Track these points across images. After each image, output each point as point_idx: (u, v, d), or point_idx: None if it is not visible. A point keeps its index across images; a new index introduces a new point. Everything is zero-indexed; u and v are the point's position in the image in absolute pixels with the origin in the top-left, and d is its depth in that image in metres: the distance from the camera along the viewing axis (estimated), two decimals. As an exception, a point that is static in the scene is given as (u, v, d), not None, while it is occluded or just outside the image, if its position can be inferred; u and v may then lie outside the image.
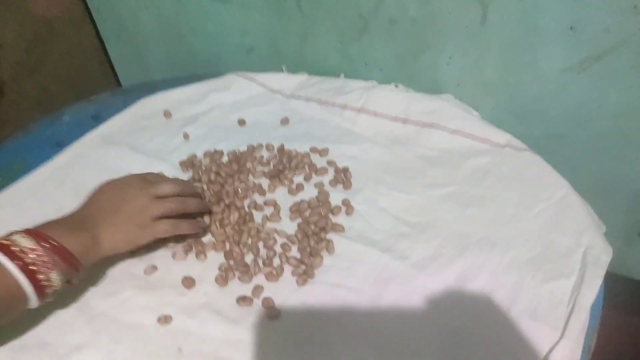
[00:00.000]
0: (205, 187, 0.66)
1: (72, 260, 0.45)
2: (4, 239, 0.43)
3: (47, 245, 0.44)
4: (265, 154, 0.72)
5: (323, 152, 0.70)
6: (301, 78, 0.84)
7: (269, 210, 0.62)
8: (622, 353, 0.44)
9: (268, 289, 0.53)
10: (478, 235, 0.55)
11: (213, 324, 0.50)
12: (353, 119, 0.75)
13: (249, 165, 0.69)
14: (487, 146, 0.67)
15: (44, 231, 0.45)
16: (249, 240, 0.57)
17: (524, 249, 0.53)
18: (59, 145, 0.78)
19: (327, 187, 0.64)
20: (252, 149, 0.72)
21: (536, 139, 0.69)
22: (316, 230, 0.57)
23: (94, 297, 0.53)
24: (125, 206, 0.50)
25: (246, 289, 0.53)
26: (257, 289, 0.52)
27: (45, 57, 0.97)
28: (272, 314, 0.50)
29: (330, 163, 0.68)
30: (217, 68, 0.97)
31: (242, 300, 0.51)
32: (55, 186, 0.68)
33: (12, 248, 0.42)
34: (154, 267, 0.55)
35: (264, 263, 0.55)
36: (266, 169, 0.68)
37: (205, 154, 0.72)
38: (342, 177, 0.65)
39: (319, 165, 0.68)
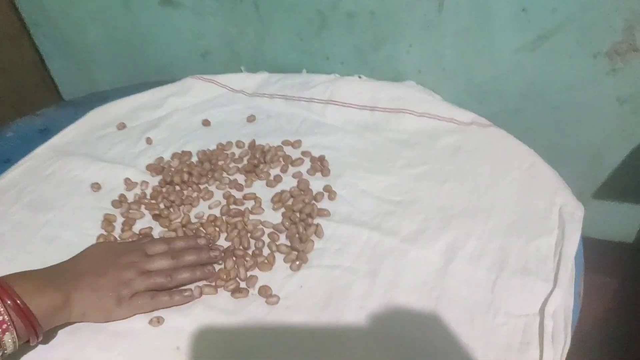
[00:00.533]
0: (178, 188, 0.64)
1: (33, 322, 0.41)
2: None
3: (10, 303, 0.40)
4: (236, 150, 0.71)
5: (296, 144, 0.70)
6: (262, 76, 0.84)
7: (249, 204, 0.61)
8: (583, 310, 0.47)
9: (262, 279, 0.52)
10: (459, 207, 0.57)
11: (209, 319, 0.48)
12: (321, 111, 0.75)
13: (221, 163, 0.68)
14: (454, 125, 0.69)
15: (12, 284, 0.41)
16: (237, 234, 0.56)
17: (505, 215, 0.56)
18: (8, 161, 0.73)
19: (306, 176, 0.64)
20: (222, 147, 0.71)
21: (495, 116, 0.72)
22: (303, 217, 0.57)
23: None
24: (110, 273, 0.47)
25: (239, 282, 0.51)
26: (252, 279, 0.51)
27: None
28: (270, 300, 0.49)
29: (305, 153, 0.68)
30: (171, 74, 0.95)
31: (238, 292, 0.50)
32: (11, 203, 0.64)
33: None
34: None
35: (253, 254, 0.54)
36: (240, 165, 0.67)
37: (174, 156, 0.70)
38: (320, 165, 0.65)
39: (294, 157, 0.67)
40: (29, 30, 1.02)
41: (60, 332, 0.47)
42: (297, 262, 0.52)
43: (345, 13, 0.75)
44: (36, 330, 0.41)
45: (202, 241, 0.53)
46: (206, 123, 0.77)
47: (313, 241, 0.55)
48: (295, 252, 0.53)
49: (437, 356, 0.43)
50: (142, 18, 0.91)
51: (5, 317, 0.39)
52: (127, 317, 0.47)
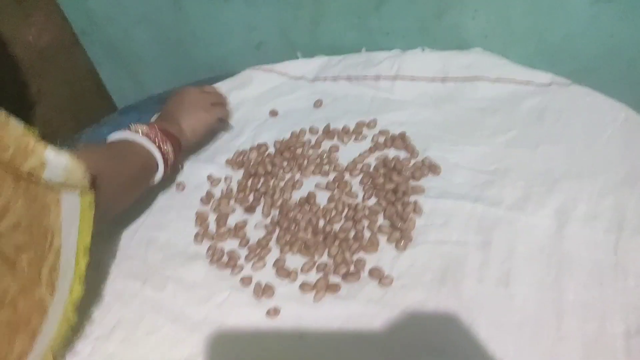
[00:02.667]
0: (263, 180, 0.64)
1: (174, 140, 0.59)
2: (128, 128, 0.56)
3: (159, 129, 0.57)
4: (311, 137, 0.70)
5: (371, 124, 0.69)
6: (321, 60, 0.83)
7: (342, 188, 0.60)
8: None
9: (370, 261, 0.51)
10: (560, 169, 0.55)
11: (326, 305, 0.48)
12: (389, 87, 0.74)
13: (299, 150, 0.67)
14: (533, 88, 0.67)
15: (152, 123, 0.59)
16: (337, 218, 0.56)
17: (611, 173, 0.53)
18: (87, 170, 0.74)
19: (392, 154, 0.63)
20: (296, 135, 0.70)
21: (568, 77, 0.69)
22: (399, 196, 0.56)
23: (188, 306, 0.51)
24: (190, 103, 0.66)
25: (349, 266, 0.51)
26: (359, 263, 0.51)
27: (43, 88, 0.91)
28: (385, 281, 0.48)
29: (383, 132, 0.67)
30: (224, 69, 0.95)
31: (350, 275, 0.50)
32: (100, 209, 0.64)
33: (139, 131, 0.55)
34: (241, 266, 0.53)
35: (355, 237, 0.53)
36: (319, 150, 0.67)
37: (251, 149, 0.69)
38: (402, 142, 0.64)
39: (372, 136, 0.66)
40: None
41: (179, 332, 0.48)
42: (403, 241, 0.52)
43: (406, -16, 0.73)
44: (179, 146, 0.60)
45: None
46: (273, 113, 0.76)
47: (414, 219, 0.54)
48: (398, 232, 0.53)
49: (572, 322, 0.42)
50: (193, 15, 0.90)
51: (161, 135, 0.57)
52: (216, 120, 0.69)
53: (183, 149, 0.62)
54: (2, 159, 0.32)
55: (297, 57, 0.88)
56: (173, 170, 0.62)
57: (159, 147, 0.56)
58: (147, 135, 0.55)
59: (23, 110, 0.89)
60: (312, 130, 0.70)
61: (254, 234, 0.57)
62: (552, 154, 0.58)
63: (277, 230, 0.56)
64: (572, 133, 0.59)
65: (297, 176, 0.63)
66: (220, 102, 0.71)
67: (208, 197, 0.63)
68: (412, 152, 0.62)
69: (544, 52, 0.73)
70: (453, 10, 0.73)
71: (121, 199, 0.53)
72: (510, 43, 0.74)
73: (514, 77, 0.68)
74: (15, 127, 0.34)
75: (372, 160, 0.63)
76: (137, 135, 0.55)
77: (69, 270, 0.40)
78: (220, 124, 0.72)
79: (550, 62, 0.74)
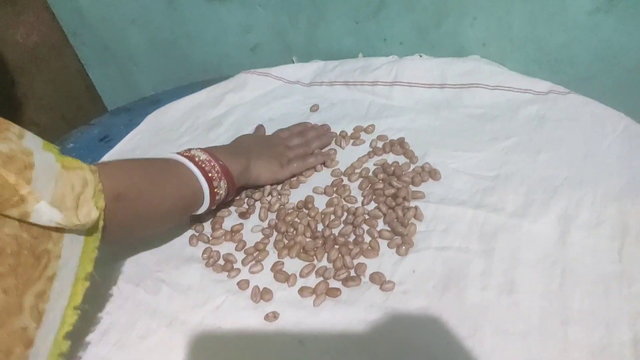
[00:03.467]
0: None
1: (231, 179, 0.53)
2: (186, 152, 0.52)
3: (219, 162, 0.52)
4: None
5: (369, 129, 0.68)
6: (317, 65, 0.82)
7: (340, 193, 0.59)
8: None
9: (371, 266, 0.50)
10: (561, 176, 0.55)
11: (326, 310, 0.47)
12: (387, 93, 0.73)
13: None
14: (531, 95, 0.67)
15: (213, 152, 0.53)
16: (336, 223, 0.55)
17: (612, 181, 0.53)
18: (76, 171, 0.72)
19: (391, 159, 0.62)
20: (294, 139, 0.69)
21: (566, 85, 0.69)
22: (399, 201, 0.55)
23: (183, 310, 0.49)
24: (270, 147, 0.62)
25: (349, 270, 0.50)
26: (361, 267, 0.50)
27: (32, 88, 0.89)
28: (386, 287, 0.47)
29: (381, 137, 0.66)
30: (218, 72, 0.94)
31: (351, 280, 0.48)
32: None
33: (196, 159, 0.50)
34: (238, 270, 0.52)
35: (355, 242, 0.52)
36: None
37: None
38: (400, 148, 0.63)
39: (371, 142, 0.66)
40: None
41: (173, 338, 0.46)
42: (404, 247, 0.51)
43: (405, -10, 0.72)
44: (234, 185, 0.54)
45: (325, 127, 0.69)
46: (270, 118, 0.75)
47: (415, 224, 0.53)
48: (399, 237, 0.52)
49: (578, 330, 0.41)
50: (188, 16, 0.89)
51: (219, 169, 0.51)
52: (287, 178, 0.61)
53: (239, 188, 0.57)
54: None
55: (292, 61, 0.87)
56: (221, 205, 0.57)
57: (210, 181, 0.50)
58: (201, 165, 0.50)
59: (11, 110, 0.87)
60: (310, 134, 0.69)
61: (251, 237, 0.56)
62: (553, 161, 0.57)
63: (275, 234, 0.55)
64: (572, 141, 0.59)
65: (294, 180, 0.62)
66: (304, 154, 0.63)
67: (203, 199, 0.61)
68: (411, 157, 0.62)
69: (543, 60, 0.74)
70: (451, 18, 0.73)
71: (148, 224, 0.49)
72: (509, 51, 0.74)
73: (512, 85, 0.68)
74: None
75: (370, 165, 0.63)
76: (189, 162, 0.50)
77: (61, 298, 0.36)
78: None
79: (548, 70, 0.74)
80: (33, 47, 0.90)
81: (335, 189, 0.59)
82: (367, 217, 0.55)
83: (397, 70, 0.74)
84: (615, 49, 0.69)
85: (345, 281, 0.48)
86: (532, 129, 0.62)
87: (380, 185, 0.58)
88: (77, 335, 0.47)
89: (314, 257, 0.51)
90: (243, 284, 0.50)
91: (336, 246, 0.52)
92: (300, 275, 0.50)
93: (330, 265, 0.50)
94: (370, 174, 0.61)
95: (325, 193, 0.59)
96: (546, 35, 0.71)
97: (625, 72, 0.71)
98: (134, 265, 0.54)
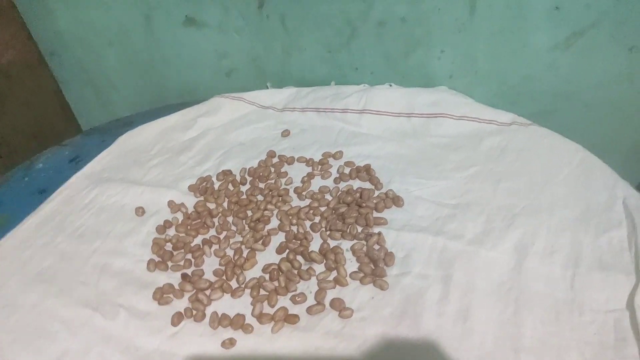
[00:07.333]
0: (226, 206, 0.63)
1: None
2: None
3: None
4: (275, 167, 0.69)
5: (337, 155, 0.69)
6: (290, 91, 0.84)
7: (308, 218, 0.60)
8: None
9: (332, 292, 0.50)
10: (520, 205, 0.56)
11: (284, 337, 0.46)
12: (356, 121, 0.75)
13: (272, 181, 0.67)
14: (495, 126, 0.69)
15: None
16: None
17: (567, 210, 0.55)
18: (43, 192, 0.72)
19: (356, 185, 0.63)
20: (264, 164, 0.70)
21: (528, 118, 0.72)
22: (363, 228, 0.56)
23: (139, 336, 0.48)
24: None
25: (311, 298, 0.50)
26: (321, 293, 0.50)
27: (4, 107, 0.89)
28: (344, 314, 0.47)
29: (348, 164, 0.67)
30: (193, 96, 0.94)
31: (314, 308, 0.48)
32: (54, 234, 0.62)
33: None
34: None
35: (329, 268, 0.53)
36: (284, 180, 0.66)
37: (217, 176, 0.69)
38: (366, 174, 0.64)
39: (338, 168, 0.67)
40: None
41: (132, 362, 0.46)
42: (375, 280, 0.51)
43: (376, 21, 0.75)
44: None
45: None
46: (241, 142, 0.76)
47: (393, 255, 0.53)
48: (362, 274, 0.52)
49: (529, 358, 0.42)
50: (164, 40, 0.90)
51: None
52: None
53: None
54: None
55: (267, 87, 0.88)
56: None
57: None
58: None
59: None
60: (282, 159, 0.70)
61: (212, 261, 0.55)
62: (513, 190, 0.59)
63: (236, 258, 0.55)
64: (531, 171, 0.61)
65: (263, 204, 0.62)
66: None
67: (165, 224, 0.61)
68: (376, 184, 0.63)
69: (506, 93, 0.76)
70: (420, 50, 0.76)
71: None
72: (474, 83, 0.77)
73: (477, 116, 0.70)
74: None
75: (337, 190, 0.63)
76: None
77: None
78: None
79: (511, 103, 0.77)
80: (7, 65, 0.90)
81: (300, 213, 0.60)
82: (332, 244, 0.55)
83: (367, 98, 0.76)
84: (574, 85, 0.72)
85: (308, 310, 0.48)
86: (494, 158, 0.64)
87: (345, 210, 0.58)
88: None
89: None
90: (200, 312, 0.49)
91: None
92: (259, 301, 0.50)
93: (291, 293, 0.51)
94: (336, 199, 0.61)
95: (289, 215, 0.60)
96: (508, 70, 0.74)
97: (584, 107, 0.74)
98: (93, 290, 0.54)
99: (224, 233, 0.59)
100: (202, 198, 0.65)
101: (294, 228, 0.58)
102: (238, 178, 0.68)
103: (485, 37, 0.71)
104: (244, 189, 0.66)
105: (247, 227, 0.59)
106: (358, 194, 0.61)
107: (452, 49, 0.74)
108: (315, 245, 0.56)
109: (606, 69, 0.70)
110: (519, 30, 0.69)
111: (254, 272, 0.54)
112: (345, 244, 0.55)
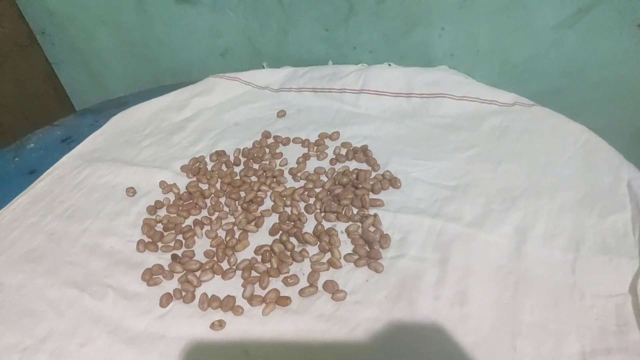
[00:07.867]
0: (219, 187, 0.61)
1: None
2: None
3: None
4: (271, 147, 0.68)
5: (334, 136, 0.67)
6: (287, 71, 0.81)
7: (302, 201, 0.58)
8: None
9: (325, 274, 0.49)
10: (521, 187, 0.55)
11: (275, 319, 0.45)
12: (354, 101, 0.73)
13: (266, 162, 0.65)
14: (496, 106, 0.67)
15: None
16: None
17: (570, 192, 0.53)
18: (33, 172, 0.71)
19: (353, 166, 0.62)
20: (258, 144, 0.68)
21: (532, 98, 0.69)
22: (359, 209, 0.54)
23: (127, 317, 0.47)
24: None
25: (304, 280, 0.49)
26: (314, 275, 0.48)
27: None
28: (337, 296, 0.46)
29: (345, 144, 0.65)
30: (188, 76, 0.93)
31: (307, 290, 0.47)
32: (43, 214, 0.61)
33: None
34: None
35: (323, 250, 0.51)
36: (279, 161, 0.65)
37: (210, 156, 0.67)
38: (363, 155, 0.62)
39: (335, 149, 0.65)
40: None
41: (121, 343, 0.44)
42: (369, 263, 0.49)
43: (374, -1, 0.72)
44: None
45: None
46: (236, 122, 0.74)
47: (389, 237, 0.51)
48: (357, 256, 0.50)
49: (527, 343, 0.40)
50: (157, 18, 0.88)
51: None
52: None
53: None
54: None
55: (262, 67, 0.86)
56: None
57: None
58: None
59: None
60: (277, 139, 0.68)
61: (204, 242, 0.54)
62: (514, 171, 0.57)
63: (228, 239, 0.54)
64: (533, 152, 0.59)
65: (257, 185, 0.61)
66: None
67: (156, 205, 0.60)
68: (373, 165, 0.61)
69: (508, 72, 0.74)
70: (420, 28, 0.73)
71: None
72: (476, 62, 0.74)
73: (478, 96, 0.68)
74: None
75: (332, 172, 0.62)
76: None
77: None
78: None
79: (514, 82, 0.75)
80: (-4, 43, 0.88)
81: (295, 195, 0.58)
82: (326, 226, 0.54)
83: (365, 78, 0.73)
84: (579, 64, 0.70)
85: (301, 292, 0.47)
86: (494, 139, 0.62)
87: (341, 192, 0.57)
88: (11, 343, 0.45)
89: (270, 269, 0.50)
90: (190, 293, 0.48)
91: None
92: (250, 283, 0.48)
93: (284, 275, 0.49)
94: (332, 181, 0.60)
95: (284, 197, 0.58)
96: (512, 49, 0.71)
97: (589, 87, 0.72)
98: (82, 270, 0.52)
99: (216, 214, 0.58)
100: (194, 179, 0.63)
101: (288, 209, 0.57)
102: (232, 159, 0.66)
103: (487, 14, 0.69)
104: (237, 169, 0.64)
105: (239, 208, 0.58)
106: (354, 175, 0.59)
107: (452, 27, 0.72)
108: (309, 227, 0.54)
109: (613, 47, 0.67)
110: (523, 7, 0.66)
111: (245, 254, 0.52)
112: (340, 226, 0.54)
